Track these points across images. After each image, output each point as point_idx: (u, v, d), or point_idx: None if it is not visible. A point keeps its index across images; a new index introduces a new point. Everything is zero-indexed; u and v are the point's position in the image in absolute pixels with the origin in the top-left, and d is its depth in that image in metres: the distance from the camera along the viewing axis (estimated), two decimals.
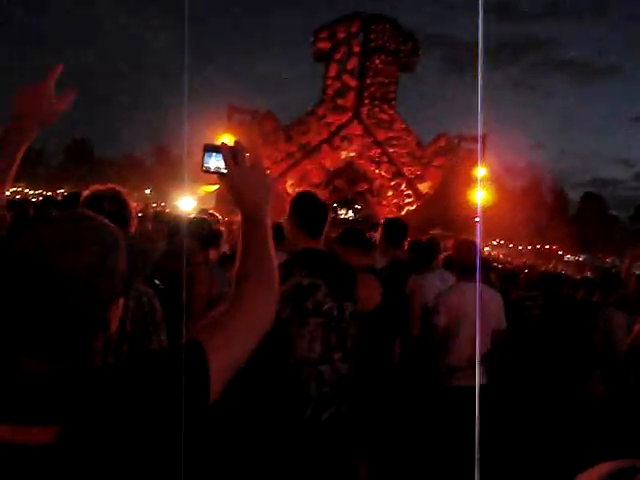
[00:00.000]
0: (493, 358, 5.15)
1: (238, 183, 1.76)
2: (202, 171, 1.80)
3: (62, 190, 47.36)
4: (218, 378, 1.41)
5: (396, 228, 5.47)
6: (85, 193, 2.88)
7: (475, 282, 5.06)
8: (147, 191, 48.69)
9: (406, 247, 6.76)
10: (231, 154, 1.78)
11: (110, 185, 2.89)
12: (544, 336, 6.89)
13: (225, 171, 1.78)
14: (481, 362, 5.03)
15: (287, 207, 3.71)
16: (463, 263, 5.21)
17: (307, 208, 3.64)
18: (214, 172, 1.78)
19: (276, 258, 1.71)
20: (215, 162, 1.79)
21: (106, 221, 1.42)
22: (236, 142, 1.77)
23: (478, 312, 4.79)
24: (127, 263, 1.39)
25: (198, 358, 1.39)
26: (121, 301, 1.41)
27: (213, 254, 5.03)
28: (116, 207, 2.75)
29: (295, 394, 3.34)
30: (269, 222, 1.74)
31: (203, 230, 4.86)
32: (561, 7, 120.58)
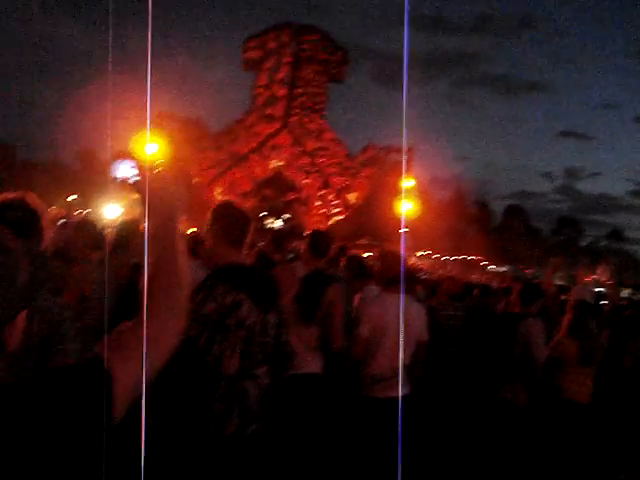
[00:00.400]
0: (415, 370, 5.20)
1: (150, 193, 1.71)
2: (114, 180, 1.75)
3: None
4: (122, 397, 1.36)
5: (321, 240, 5.45)
6: None
7: (398, 293, 5.08)
8: (72, 197, 47.54)
9: (341, 261, 6.78)
10: (144, 163, 1.73)
11: (20, 192, 2.78)
12: (465, 347, 7.02)
13: (137, 178, 1.73)
14: (404, 372, 5.05)
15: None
16: (387, 274, 5.23)
17: (229, 218, 3.54)
18: (126, 181, 1.73)
19: (189, 271, 1.66)
20: (127, 170, 1.74)
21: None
22: (149, 150, 1.73)
23: (402, 323, 4.82)
24: (28, 277, 1.32)
25: (101, 377, 1.34)
26: (21, 318, 1.35)
27: None
28: (22, 216, 2.63)
29: (217, 410, 3.28)
30: (179, 236, 1.69)
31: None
32: (488, 22, 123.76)
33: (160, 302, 1.54)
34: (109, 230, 5.83)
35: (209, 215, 3.59)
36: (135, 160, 1.73)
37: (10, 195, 2.76)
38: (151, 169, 1.72)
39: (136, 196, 1.71)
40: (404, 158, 37.97)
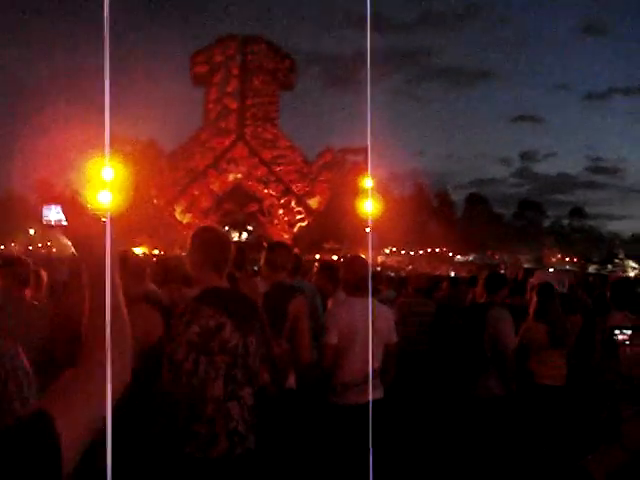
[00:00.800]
0: (388, 372, 5.18)
1: (79, 235, 1.65)
2: (43, 224, 1.70)
3: None
4: (71, 449, 1.31)
5: (278, 252, 5.42)
6: None
7: (364, 297, 5.07)
8: (31, 231, 46.87)
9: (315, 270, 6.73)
10: (71, 205, 1.67)
11: None
12: (437, 342, 7.03)
13: (65, 223, 1.68)
14: (374, 377, 5.03)
15: (185, 239, 3.64)
16: (352, 279, 5.22)
17: (209, 243, 3.58)
18: (55, 225, 1.68)
19: (125, 312, 1.61)
20: (55, 214, 1.69)
21: None
22: (75, 192, 1.67)
23: (370, 327, 4.80)
24: None
25: (46, 431, 1.29)
26: None
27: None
28: None
29: (204, 433, 3.29)
30: (117, 276, 1.64)
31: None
32: (432, 16, 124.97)
33: (103, 346, 1.49)
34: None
35: (189, 240, 3.62)
36: (62, 204, 1.67)
37: None
38: (82, 210, 1.66)
39: (65, 240, 1.65)
40: (368, 158, 38.17)
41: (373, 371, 4.98)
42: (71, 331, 4.30)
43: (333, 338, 5.06)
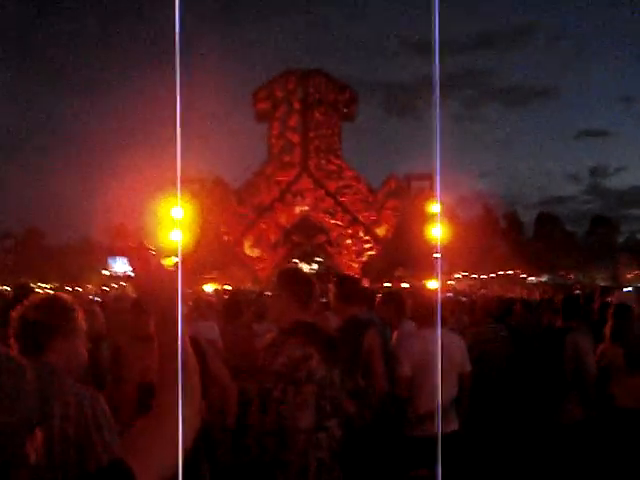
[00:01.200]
0: (462, 402, 5.12)
1: (145, 285, 1.70)
2: (110, 274, 1.77)
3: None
4: None
5: (348, 285, 5.44)
6: (15, 312, 2.75)
7: (436, 327, 5.05)
8: (106, 272, 48.13)
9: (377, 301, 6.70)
10: (136, 256, 1.72)
11: (52, 295, 2.79)
12: (513, 369, 6.87)
13: (132, 274, 1.74)
14: (450, 407, 4.98)
15: (255, 274, 3.77)
16: (422, 310, 5.21)
17: (295, 283, 3.76)
18: (121, 275, 1.75)
19: (193, 359, 1.65)
20: (122, 265, 1.76)
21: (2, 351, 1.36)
22: (141, 243, 1.73)
23: (439, 357, 4.77)
24: (36, 394, 1.34)
25: None
26: (38, 432, 1.35)
27: None
28: (47, 318, 2.64)
29: (294, 462, 3.37)
30: (184, 323, 1.67)
31: None
32: (489, 37, 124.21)
33: (174, 397, 1.54)
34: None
35: (275, 281, 3.84)
36: (128, 254, 1.73)
37: (38, 298, 2.77)
38: (147, 261, 1.71)
39: (134, 289, 1.70)
40: (436, 182, 38.04)
41: (448, 402, 4.94)
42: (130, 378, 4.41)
43: (407, 369, 5.04)
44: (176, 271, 1.72)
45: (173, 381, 1.54)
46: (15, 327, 2.60)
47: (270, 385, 3.41)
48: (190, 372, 1.61)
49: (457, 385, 5.10)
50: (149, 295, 1.67)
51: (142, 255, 1.68)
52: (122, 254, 1.74)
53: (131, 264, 1.67)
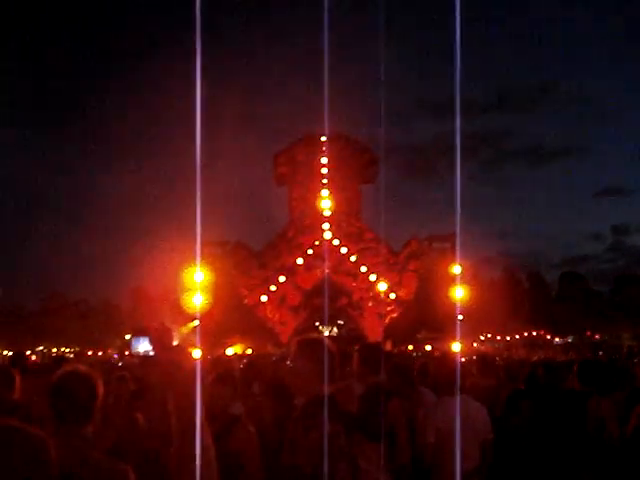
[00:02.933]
0: (482, 469, 5.02)
1: (166, 365, 1.72)
2: (131, 354, 1.77)
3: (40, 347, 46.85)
4: None
5: (371, 353, 5.40)
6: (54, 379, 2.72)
7: (458, 396, 4.99)
8: (127, 336, 48.21)
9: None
10: (157, 337, 1.75)
11: (85, 367, 2.76)
12: (535, 435, 6.71)
13: (152, 353, 1.76)
14: (473, 475, 4.90)
15: (276, 337, 3.72)
16: (444, 378, 5.18)
17: (318, 356, 3.70)
18: (143, 355, 1.76)
19: (209, 441, 1.65)
20: (144, 345, 1.77)
21: (27, 432, 1.36)
22: (161, 324, 1.76)
23: (458, 426, 4.68)
24: (60, 464, 1.34)
25: None
26: None
27: None
28: (87, 390, 2.62)
29: None
30: (202, 406, 1.69)
31: None
32: (508, 97, 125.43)
33: (193, 472, 1.54)
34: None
35: (295, 350, 3.73)
36: (150, 335, 1.76)
37: (68, 372, 2.74)
38: (168, 342, 1.74)
39: (155, 369, 1.73)
40: (457, 243, 38.03)
41: (472, 469, 4.85)
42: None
43: (431, 438, 4.99)
44: (189, 353, 1.74)
45: (190, 458, 1.55)
46: (54, 396, 2.57)
47: (303, 460, 3.36)
48: (206, 449, 1.61)
49: (480, 453, 5.02)
50: (168, 376, 1.69)
51: (164, 336, 1.71)
52: (145, 334, 1.75)
53: (153, 345, 1.70)
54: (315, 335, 4.19)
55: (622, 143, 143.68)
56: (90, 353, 43.23)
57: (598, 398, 5.79)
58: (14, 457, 1.34)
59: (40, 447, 1.37)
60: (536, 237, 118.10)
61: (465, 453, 4.83)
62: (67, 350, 49.65)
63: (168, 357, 1.71)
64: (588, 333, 58.68)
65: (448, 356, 5.38)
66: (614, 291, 66.64)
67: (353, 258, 39.08)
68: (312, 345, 3.79)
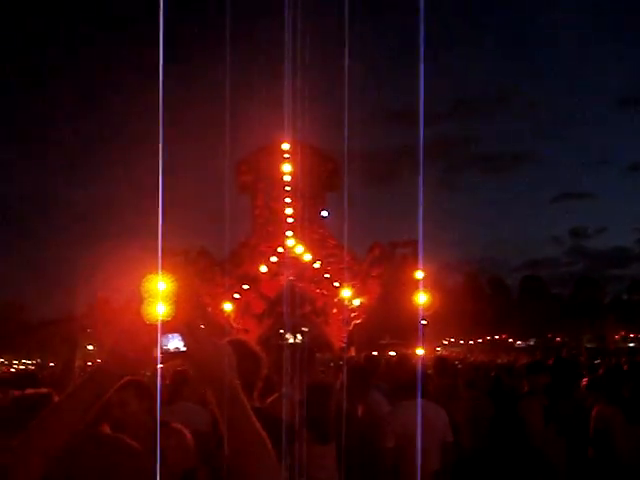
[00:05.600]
0: (445, 471, 5.10)
1: (199, 360, 1.72)
2: (162, 352, 1.79)
3: None
4: None
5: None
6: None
7: (415, 399, 5.04)
8: (89, 347, 47.57)
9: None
10: (188, 332, 1.75)
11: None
12: (494, 439, 6.84)
13: (184, 349, 1.77)
14: (434, 478, 4.97)
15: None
16: (401, 382, 5.24)
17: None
18: (174, 352, 1.79)
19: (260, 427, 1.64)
20: (174, 342, 1.79)
21: None
22: (191, 320, 1.77)
23: (420, 430, 4.75)
24: None
25: None
26: None
27: None
28: None
29: None
30: (241, 395, 1.67)
31: None
32: (465, 105, 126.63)
33: (254, 469, 1.54)
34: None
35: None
36: (181, 331, 1.76)
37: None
38: (199, 336, 1.74)
39: (189, 365, 1.73)
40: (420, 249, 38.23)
41: (433, 473, 4.93)
42: None
43: (390, 442, 5.04)
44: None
45: (249, 451, 1.54)
46: None
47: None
48: (261, 440, 1.60)
49: (440, 455, 5.09)
50: (205, 369, 1.70)
51: (195, 332, 1.71)
52: (175, 332, 1.77)
53: (185, 341, 1.70)
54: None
55: (578, 148, 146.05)
56: (52, 365, 42.53)
57: (529, 398, 5.96)
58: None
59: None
60: (496, 242, 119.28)
61: (426, 456, 4.90)
62: (29, 362, 48.82)
63: (202, 352, 1.72)
64: (550, 335, 59.49)
65: (406, 360, 5.45)
66: (574, 294, 67.60)
67: (317, 265, 39.06)
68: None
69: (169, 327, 1.80)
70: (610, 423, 5.88)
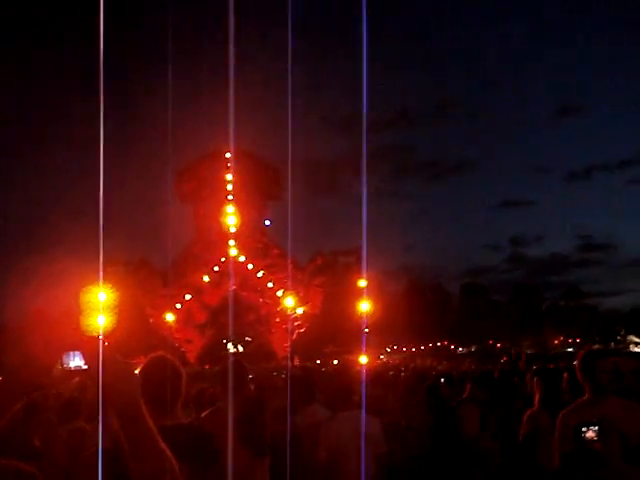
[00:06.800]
0: None
1: (102, 378, 1.61)
2: (62, 369, 1.74)
3: None
4: None
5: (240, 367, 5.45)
6: None
7: (352, 411, 5.05)
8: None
9: None
10: (90, 351, 1.68)
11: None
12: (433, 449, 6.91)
13: (85, 367, 1.71)
14: None
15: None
16: (337, 393, 5.24)
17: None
18: (74, 370, 1.75)
19: (160, 444, 1.61)
20: (75, 361, 1.75)
21: None
22: (93, 338, 1.70)
23: (363, 441, 4.76)
24: None
25: None
26: None
27: None
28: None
29: None
30: (145, 414, 1.63)
31: None
32: (406, 114, 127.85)
33: None
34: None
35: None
36: (82, 348, 1.69)
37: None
38: (103, 354, 1.67)
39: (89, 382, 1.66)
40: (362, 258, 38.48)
41: None
42: None
43: (323, 454, 5.01)
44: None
45: (152, 472, 1.51)
46: None
47: None
48: (165, 461, 1.57)
49: (374, 466, 5.09)
50: (108, 389, 1.61)
51: (96, 349, 1.64)
52: (76, 349, 1.70)
53: (86, 359, 1.62)
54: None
55: (518, 157, 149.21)
56: None
57: (463, 406, 6.07)
58: None
59: None
60: (438, 250, 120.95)
61: (359, 468, 4.90)
62: None
63: (105, 371, 1.62)
64: (491, 342, 60.42)
65: (343, 370, 5.45)
66: (512, 300, 68.91)
67: (260, 274, 38.98)
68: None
69: (70, 345, 1.75)
70: (538, 427, 6.00)
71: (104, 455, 1.80)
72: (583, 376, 4.31)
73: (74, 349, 1.74)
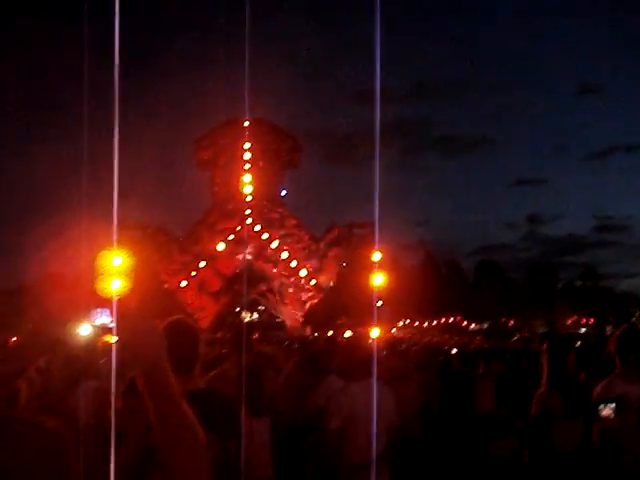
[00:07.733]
0: (390, 454, 5.12)
1: (127, 338, 1.60)
2: (94, 327, 1.72)
3: None
4: None
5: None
6: None
7: (366, 381, 5.05)
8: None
9: None
10: (117, 308, 1.65)
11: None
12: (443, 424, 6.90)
13: (112, 325, 1.68)
14: (379, 460, 4.99)
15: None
16: (350, 364, 5.23)
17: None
18: (101, 327, 1.73)
19: (192, 418, 1.58)
20: (102, 318, 1.73)
21: None
22: (122, 297, 1.68)
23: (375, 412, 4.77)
24: None
25: None
26: None
27: None
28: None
29: None
30: (171, 377, 1.59)
31: None
32: (426, 88, 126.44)
33: (180, 454, 1.49)
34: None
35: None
36: (110, 306, 1.67)
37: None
38: (128, 313, 1.65)
39: (115, 340, 1.61)
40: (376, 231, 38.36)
41: (377, 455, 4.94)
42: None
43: (335, 423, 5.04)
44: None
45: (176, 437, 1.49)
46: None
47: None
48: (190, 425, 1.55)
49: (385, 439, 5.11)
50: (135, 349, 1.59)
51: (126, 307, 1.62)
52: (105, 306, 1.69)
53: (115, 318, 1.60)
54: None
55: (537, 135, 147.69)
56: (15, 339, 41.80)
57: (479, 381, 6.06)
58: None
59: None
60: (454, 225, 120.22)
61: (370, 440, 4.92)
62: None
63: (132, 330, 1.61)
64: (503, 320, 60.32)
65: (357, 340, 5.44)
66: (528, 279, 68.71)
67: (274, 244, 38.99)
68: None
69: (100, 302, 1.73)
70: (549, 408, 5.97)
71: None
72: (618, 353, 4.33)
73: (102, 307, 1.73)
